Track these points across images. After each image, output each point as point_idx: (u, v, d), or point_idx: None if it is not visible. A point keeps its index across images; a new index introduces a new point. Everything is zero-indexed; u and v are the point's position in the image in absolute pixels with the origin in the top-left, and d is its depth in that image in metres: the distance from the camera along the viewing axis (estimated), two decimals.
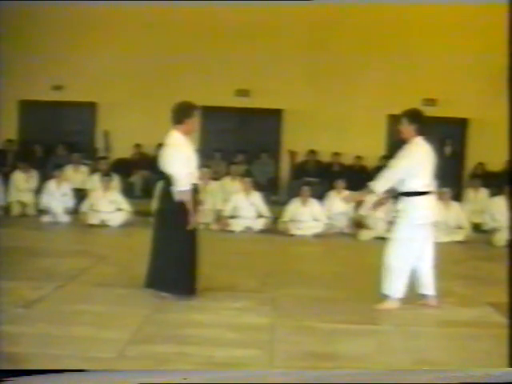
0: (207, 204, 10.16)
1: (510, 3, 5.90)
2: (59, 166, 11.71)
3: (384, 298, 5.98)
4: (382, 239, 6.64)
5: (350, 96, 14.06)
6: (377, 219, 10.10)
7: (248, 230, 10.66)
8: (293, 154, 14.32)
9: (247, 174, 12.26)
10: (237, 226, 10.67)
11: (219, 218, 10.80)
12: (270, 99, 14.08)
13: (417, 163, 5.86)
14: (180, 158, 5.94)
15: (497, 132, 12.57)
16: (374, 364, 4.63)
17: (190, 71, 13.82)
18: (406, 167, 5.86)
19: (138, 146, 14.05)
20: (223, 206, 10.97)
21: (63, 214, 10.93)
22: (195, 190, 6.06)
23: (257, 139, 14.39)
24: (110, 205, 10.75)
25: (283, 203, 11.42)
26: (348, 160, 13.97)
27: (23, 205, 11.65)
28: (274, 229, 10.69)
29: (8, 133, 13.98)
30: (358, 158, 13.87)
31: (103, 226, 10.54)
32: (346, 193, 6.42)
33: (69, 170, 12.39)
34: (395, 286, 5.94)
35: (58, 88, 14.26)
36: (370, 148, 13.76)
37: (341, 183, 10.87)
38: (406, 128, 5.98)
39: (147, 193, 11.88)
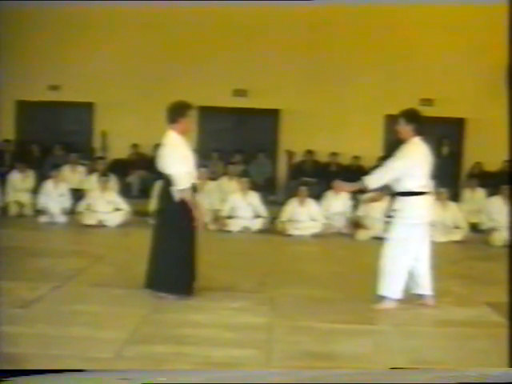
0: (205, 204, 10.15)
1: (509, 3, 5.91)
2: (56, 166, 11.70)
3: (381, 298, 5.99)
4: (380, 239, 6.64)
5: (348, 96, 14.08)
6: (374, 219, 10.11)
7: (245, 230, 10.66)
8: (290, 154, 14.32)
9: (244, 174, 12.27)
10: (234, 226, 10.67)
11: (217, 218, 10.80)
12: (268, 99, 14.09)
13: (414, 163, 5.87)
14: (178, 158, 5.95)
15: (494, 132, 12.63)
16: (372, 364, 4.64)
17: (187, 71, 13.81)
18: (403, 167, 5.87)
19: (135, 146, 14.05)
20: (221, 206, 10.97)
21: (60, 214, 10.91)
22: (194, 189, 6.07)
23: (254, 139, 14.40)
24: (108, 205, 10.74)
25: (281, 203, 11.42)
26: (345, 160, 13.98)
27: (20, 205, 11.63)
28: (272, 229, 10.69)
29: (5, 133, 13.96)
30: (356, 158, 13.87)
31: (100, 226, 10.54)
32: (338, 182, 6.40)
33: (66, 170, 12.37)
34: (392, 287, 5.94)
35: (55, 88, 14.26)
36: (367, 148, 13.77)
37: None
38: (404, 128, 5.99)
39: (144, 193, 11.91)
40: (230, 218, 10.76)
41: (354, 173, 13.14)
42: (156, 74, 13.85)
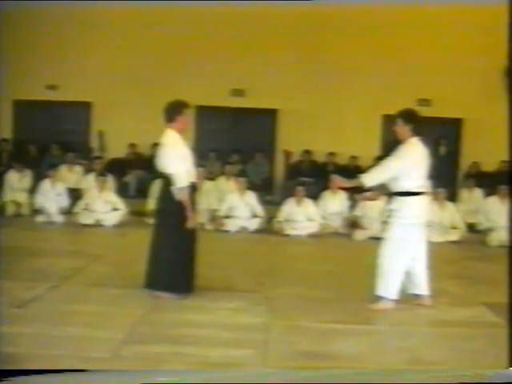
0: (202, 204, 10.15)
1: (509, 3, 5.92)
2: (54, 166, 11.67)
3: (378, 298, 5.99)
4: (377, 239, 6.65)
5: (345, 96, 14.08)
6: (371, 219, 10.12)
7: (243, 229, 10.66)
8: (287, 153, 14.32)
9: (242, 173, 12.25)
10: (232, 225, 10.67)
11: (214, 217, 10.80)
12: (265, 99, 14.08)
13: (411, 164, 5.87)
14: (177, 156, 5.96)
15: (491, 132, 12.67)
16: (369, 364, 4.64)
17: (184, 71, 13.81)
18: (400, 167, 5.87)
19: (132, 145, 14.04)
20: (218, 205, 10.97)
21: (58, 213, 10.90)
22: (193, 189, 6.08)
23: (251, 139, 14.39)
24: (105, 205, 10.74)
25: (278, 203, 11.43)
26: (343, 160, 13.97)
27: (18, 205, 11.62)
28: (269, 229, 10.69)
29: (2, 132, 13.92)
30: (353, 158, 13.87)
31: (98, 225, 10.53)
32: (336, 176, 6.41)
33: (63, 170, 12.36)
34: (389, 287, 5.95)
35: (52, 87, 14.24)
36: (364, 148, 13.77)
37: None
38: (401, 128, 5.99)
39: (142, 193, 11.90)
40: (227, 217, 10.75)
41: (351, 173, 13.14)
42: (153, 73, 13.84)
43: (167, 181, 6.00)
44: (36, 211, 11.08)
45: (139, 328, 5.20)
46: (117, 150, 13.96)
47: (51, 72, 14.03)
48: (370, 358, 4.78)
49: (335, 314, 5.79)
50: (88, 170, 12.43)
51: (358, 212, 10.63)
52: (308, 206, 10.71)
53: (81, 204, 10.82)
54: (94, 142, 14.41)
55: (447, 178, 12.75)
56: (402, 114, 6.05)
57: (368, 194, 6.73)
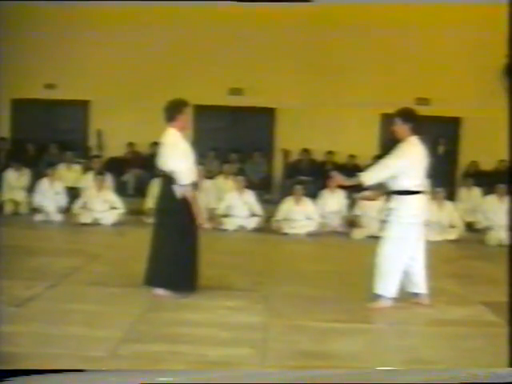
0: (201, 202, 10.15)
1: (509, 2, 5.93)
2: (52, 165, 11.69)
3: (377, 297, 5.99)
4: (375, 238, 6.65)
5: (344, 95, 14.06)
6: (370, 218, 10.11)
7: (241, 228, 10.66)
8: (286, 152, 14.32)
9: (240, 172, 12.26)
10: (230, 224, 10.67)
11: (212, 216, 10.79)
12: (264, 98, 14.07)
13: (409, 163, 5.87)
14: (179, 154, 5.96)
15: (490, 131, 12.69)
16: (367, 363, 4.64)
17: (182, 70, 13.80)
18: (398, 166, 5.87)
19: (130, 144, 14.03)
20: (216, 204, 10.97)
21: (56, 212, 10.90)
22: (195, 187, 6.08)
23: (250, 138, 14.38)
24: (104, 203, 10.73)
25: (276, 202, 11.43)
26: (341, 159, 13.97)
27: (16, 203, 11.61)
28: (267, 228, 10.69)
29: (0, 131, 13.93)
30: (352, 156, 13.86)
31: (96, 224, 10.52)
32: (335, 173, 6.40)
33: (61, 169, 12.36)
34: (388, 286, 5.95)
35: (50, 86, 14.24)
36: (363, 147, 13.76)
37: None
38: (400, 127, 5.98)
39: (140, 191, 11.90)
40: (225, 216, 10.76)
41: (349, 171, 13.13)
42: (151, 72, 13.83)
43: (167, 179, 6.00)
44: (34, 210, 11.08)
45: (138, 327, 5.19)
46: (115, 148, 13.96)
47: (49, 71, 14.02)
48: (368, 356, 4.78)
49: (334, 312, 5.78)
50: (86, 169, 12.44)
51: (356, 211, 10.63)
52: (306, 204, 10.71)
53: (79, 203, 10.81)
54: (93, 141, 14.41)
55: (446, 176, 12.76)
56: (401, 112, 6.04)
57: (367, 193, 6.72)
